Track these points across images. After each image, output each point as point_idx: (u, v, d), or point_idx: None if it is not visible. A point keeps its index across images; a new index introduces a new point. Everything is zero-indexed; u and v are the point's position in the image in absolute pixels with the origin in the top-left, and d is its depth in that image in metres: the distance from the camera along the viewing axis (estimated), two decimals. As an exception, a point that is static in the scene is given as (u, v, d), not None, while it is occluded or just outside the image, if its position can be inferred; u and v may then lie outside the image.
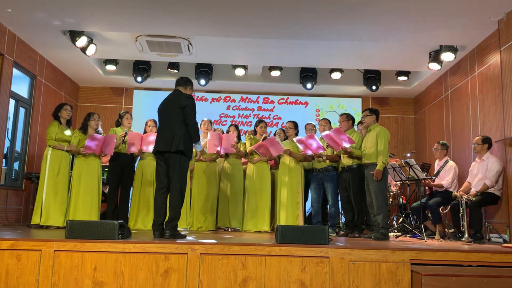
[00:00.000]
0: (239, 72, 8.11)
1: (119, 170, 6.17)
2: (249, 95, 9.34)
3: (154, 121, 6.25)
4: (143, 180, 6.20)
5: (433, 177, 6.34)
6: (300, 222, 6.00)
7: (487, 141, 5.72)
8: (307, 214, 6.60)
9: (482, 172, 5.62)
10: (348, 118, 6.02)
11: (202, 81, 8.25)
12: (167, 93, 4.80)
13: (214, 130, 6.64)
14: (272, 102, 9.40)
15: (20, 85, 7.03)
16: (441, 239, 5.47)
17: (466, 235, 5.11)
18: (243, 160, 6.57)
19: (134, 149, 6.07)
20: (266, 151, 6.19)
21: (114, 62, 8.02)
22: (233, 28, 6.31)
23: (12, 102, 6.74)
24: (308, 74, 8.31)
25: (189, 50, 7.16)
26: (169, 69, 8.13)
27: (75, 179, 5.74)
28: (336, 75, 8.25)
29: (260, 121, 6.79)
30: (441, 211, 5.89)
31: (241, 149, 6.42)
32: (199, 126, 6.45)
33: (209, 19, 6.03)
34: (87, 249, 3.66)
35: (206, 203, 6.23)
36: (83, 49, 6.73)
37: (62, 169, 5.77)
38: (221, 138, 6.17)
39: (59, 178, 5.72)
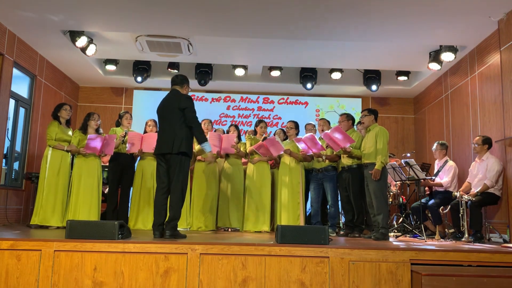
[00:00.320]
0: (239, 72, 8.11)
1: (119, 170, 6.17)
2: (249, 95, 9.34)
3: (154, 121, 6.25)
4: (143, 180, 6.20)
5: (433, 177, 6.34)
6: (301, 222, 6.00)
7: (487, 142, 5.72)
8: (307, 214, 6.60)
9: (482, 172, 5.62)
10: (348, 118, 6.02)
11: (202, 81, 8.24)
12: (167, 93, 4.80)
13: (215, 131, 6.64)
14: (272, 102, 9.40)
15: (20, 85, 7.03)
16: (441, 239, 5.47)
17: (466, 235, 5.11)
18: (243, 160, 6.57)
19: (134, 149, 6.07)
20: (266, 151, 6.19)
21: (114, 62, 8.02)
22: (233, 28, 6.31)
23: (12, 102, 6.74)
24: (308, 74, 8.31)
25: (189, 50, 7.16)
26: (169, 69, 8.13)
27: (75, 179, 5.74)
28: (336, 75, 8.25)
29: (260, 121, 6.79)
30: (441, 211, 5.89)
31: (241, 149, 6.42)
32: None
33: (209, 19, 6.03)
34: (87, 249, 3.66)
35: (206, 203, 6.23)
36: (83, 49, 6.74)
37: (62, 169, 5.77)
38: (221, 139, 6.17)
39: (59, 178, 5.72)
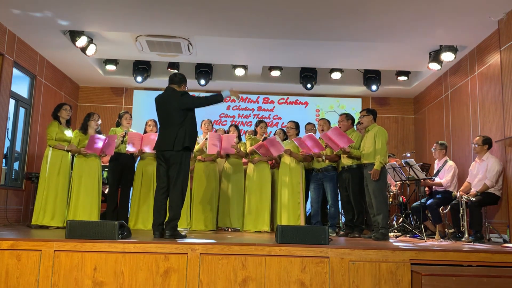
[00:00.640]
0: (239, 72, 8.11)
1: (119, 170, 6.17)
2: (249, 95, 9.34)
3: (154, 121, 6.25)
4: (143, 180, 6.20)
5: (433, 177, 6.34)
6: (302, 222, 6.00)
7: (487, 142, 5.72)
8: (307, 214, 6.60)
9: (482, 172, 5.62)
10: (347, 118, 6.02)
11: (202, 81, 8.25)
12: (162, 92, 4.76)
13: (215, 131, 6.64)
14: (272, 102, 9.40)
15: (20, 85, 7.03)
16: (441, 239, 5.47)
17: (466, 235, 5.11)
18: (243, 160, 6.57)
19: (134, 149, 6.07)
20: (266, 151, 6.19)
21: (114, 62, 8.01)
22: (233, 28, 6.31)
23: (12, 102, 6.74)
24: (308, 74, 8.30)
25: (189, 50, 7.16)
26: (169, 69, 8.12)
27: (75, 179, 5.74)
28: (336, 75, 8.25)
29: (260, 121, 6.80)
30: (441, 211, 5.89)
31: (242, 149, 6.42)
32: (200, 126, 6.47)
33: (209, 19, 6.03)
34: (87, 249, 3.66)
35: (206, 203, 6.23)
36: (83, 49, 6.73)
37: (63, 169, 5.77)
38: (221, 139, 6.17)
39: (59, 178, 5.73)
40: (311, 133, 6.26)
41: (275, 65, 8.09)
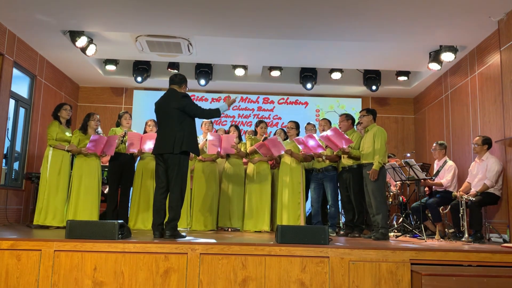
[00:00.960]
0: (239, 72, 8.11)
1: (119, 170, 6.17)
2: (249, 95, 9.34)
3: (154, 121, 6.24)
4: (143, 180, 6.20)
5: (433, 177, 6.34)
6: (302, 222, 6.00)
7: (487, 142, 5.71)
8: (307, 214, 6.60)
9: (482, 172, 5.62)
10: (347, 118, 6.02)
11: (202, 81, 8.25)
12: (164, 93, 4.77)
13: (216, 131, 6.64)
14: (272, 102, 9.40)
15: (20, 85, 7.03)
16: (441, 239, 5.47)
17: (466, 235, 5.11)
18: (244, 160, 6.57)
19: (133, 149, 6.07)
20: (267, 151, 6.19)
21: (114, 62, 8.01)
22: (233, 28, 6.31)
23: (12, 102, 6.74)
24: (308, 74, 8.31)
25: (189, 50, 7.16)
26: (169, 69, 8.12)
27: (76, 179, 5.74)
28: (336, 75, 8.25)
29: (260, 121, 6.79)
30: (441, 211, 5.89)
31: (242, 149, 6.42)
32: (200, 126, 6.48)
33: (209, 19, 6.03)
34: (87, 249, 3.66)
35: (206, 203, 6.23)
36: (83, 49, 6.73)
37: (63, 169, 5.77)
38: (221, 139, 6.17)
39: (59, 178, 5.73)
40: (312, 133, 6.27)
41: (275, 65, 8.09)
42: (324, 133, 5.77)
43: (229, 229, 6.29)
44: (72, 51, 7.09)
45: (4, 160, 6.54)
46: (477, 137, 5.83)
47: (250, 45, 7.03)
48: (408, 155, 7.64)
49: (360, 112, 5.77)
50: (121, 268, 3.64)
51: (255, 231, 6.13)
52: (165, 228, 4.35)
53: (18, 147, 7.06)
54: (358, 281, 3.66)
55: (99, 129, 6.09)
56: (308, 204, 6.59)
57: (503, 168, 5.56)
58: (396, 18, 5.83)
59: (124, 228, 3.99)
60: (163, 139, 4.52)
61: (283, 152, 6.16)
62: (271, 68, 8.16)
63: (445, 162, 6.30)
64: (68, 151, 5.82)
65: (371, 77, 8.38)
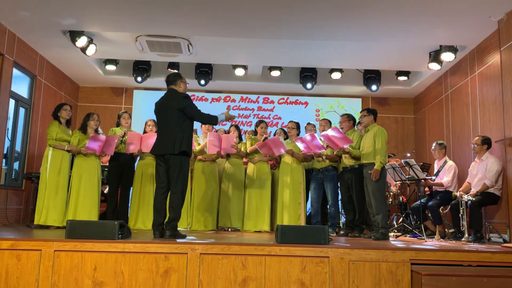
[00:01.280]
0: (239, 72, 8.11)
1: (119, 170, 6.17)
2: (249, 95, 9.34)
3: (154, 121, 6.24)
4: (143, 180, 6.20)
5: (433, 177, 6.34)
6: (302, 222, 6.00)
7: (486, 142, 5.71)
8: (307, 214, 6.60)
9: (481, 172, 5.62)
10: (349, 118, 6.02)
11: (202, 81, 8.25)
12: (164, 93, 4.77)
13: (216, 131, 6.65)
14: (272, 102, 9.40)
15: (20, 85, 7.03)
16: (441, 239, 5.47)
17: (466, 235, 5.11)
18: (244, 160, 6.57)
19: (133, 149, 6.07)
20: (268, 151, 6.18)
21: (114, 62, 8.02)
22: (233, 28, 6.31)
23: (12, 102, 6.74)
24: (308, 74, 8.31)
25: (189, 50, 7.16)
26: (169, 69, 8.11)
27: (75, 179, 5.74)
28: (336, 75, 8.25)
29: (260, 121, 6.79)
30: (441, 211, 5.89)
31: (242, 149, 6.42)
32: (200, 126, 6.48)
33: (209, 19, 6.03)
34: (87, 249, 3.66)
35: (206, 203, 6.23)
36: (83, 49, 6.74)
37: (63, 169, 5.77)
38: (221, 139, 6.16)
39: (59, 178, 5.73)
40: (313, 132, 6.26)
41: (275, 65, 8.09)
42: (325, 133, 5.77)
43: (229, 229, 6.29)
44: (72, 51, 7.09)
45: (4, 160, 6.54)
46: (477, 137, 5.83)
47: (250, 45, 7.03)
48: (408, 155, 7.64)
49: (361, 112, 5.77)
50: (121, 268, 3.64)
51: (255, 231, 6.13)
52: (165, 228, 4.35)
53: (18, 147, 7.06)
54: (358, 281, 3.66)
55: (99, 129, 6.10)
56: (308, 204, 6.59)
57: (503, 168, 5.56)
58: (396, 18, 5.82)
59: (124, 228, 3.99)
60: (163, 140, 4.52)
61: (283, 152, 6.16)
62: (271, 68, 8.16)
63: (445, 162, 6.30)
64: (67, 151, 5.82)
65: (371, 77, 8.38)
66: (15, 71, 6.72)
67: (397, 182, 6.70)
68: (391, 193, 6.97)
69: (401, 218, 6.55)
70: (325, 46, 7.00)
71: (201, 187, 6.27)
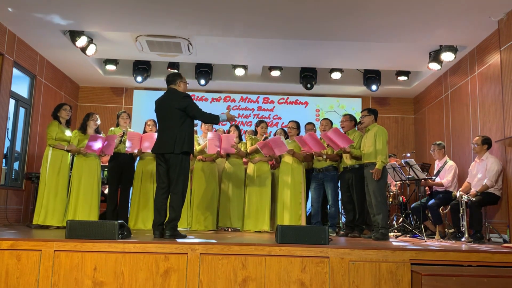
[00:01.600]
0: (239, 72, 8.11)
1: (119, 170, 6.17)
2: (249, 95, 9.34)
3: (154, 121, 6.24)
4: (143, 180, 6.20)
5: (433, 177, 6.34)
6: (303, 222, 6.01)
7: (486, 142, 5.71)
8: (307, 214, 6.60)
9: (481, 172, 5.62)
10: (351, 118, 6.03)
11: (202, 81, 8.25)
12: (164, 92, 4.76)
13: (215, 131, 6.65)
14: (272, 102, 9.40)
15: (20, 85, 7.03)
16: (441, 239, 5.47)
17: (466, 235, 5.11)
18: (244, 160, 6.57)
19: (133, 149, 6.07)
20: (269, 151, 6.18)
21: (114, 62, 8.02)
22: (233, 28, 6.30)
23: (12, 102, 6.74)
24: (308, 74, 8.30)
25: (189, 50, 7.16)
26: (169, 69, 8.11)
27: (75, 179, 5.74)
28: (336, 75, 8.25)
29: (261, 121, 6.79)
30: (441, 211, 5.89)
31: (242, 149, 6.42)
32: (200, 126, 6.48)
33: (209, 19, 6.03)
34: (87, 249, 3.66)
35: (205, 203, 6.23)
36: (83, 49, 6.74)
37: (62, 169, 5.78)
38: (221, 139, 6.16)
39: (59, 178, 5.73)
40: (313, 132, 6.26)
41: (275, 65, 8.09)
42: (325, 133, 5.77)
43: (229, 229, 6.29)
44: (72, 51, 7.09)
45: (4, 160, 6.54)
46: (477, 137, 5.83)
47: (250, 45, 7.03)
48: (408, 155, 7.64)
49: (361, 112, 5.77)
50: (121, 268, 3.63)
51: (255, 231, 6.13)
52: (165, 228, 4.35)
53: (18, 147, 7.06)
54: (358, 281, 3.65)
55: (99, 129, 6.10)
56: (308, 204, 6.59)
57: (503, 168, 5.56)
58: (396, 18, 5.82)
59: (124, 228, 3.99)
60: (164, 139, 4.52)
61: (285, 152, 6.15)
62: (271, 68, 8.16)
63: (446, 162, 6.30)
64: (67, 150, 5.82)
65: (371, 77, 8.38)
66: (15, 71, 6.72)
67: (397, 182, 6.70)
68: (391, 193, 6.97)
69: (401, 218, 6.55)
70: (325, 46, 7.00)
71: (201, 187, 6.27)
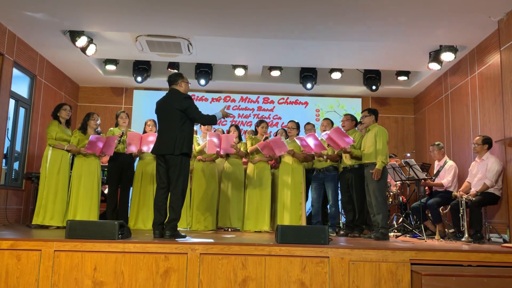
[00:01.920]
0: (239, 72, 8.11)
1: (119, 170, 6.17)
2: (249, 95, 9.34)
3: (154, 121, 6.25)
4: (143, 180, 6.20)
5: (433, 177, 6.34)
6: (303, 222, 6.01)
7: (487, 142, 5.71)
8: (307, 214, 6.60)
9: (481, 172, 5.62)
10: (352, 118, 6.03)
11: (202, 81, 8.25)
12: (166, 93, 4.77)
13: (214, 130, 6.65)
14: (272, 102, 9.40)
15: (20, 85, 7.03)
16: (441, 239, 5.47)
17: (466, 235, 5.11)
18: (243, 160, 6.57)
19: (133, 149, 6.07)
20: (270, 151, 6.18)
21: (114, 62, 8.01)
22: (233, 28, 6.30)
23: (12, 102, 6.74)
24: (308, 74, 8.31)
25: (189, 50, 7.16)
26: (169, 69, 8.11)
27: (75, 179, 5.74)
28: (336, 75, 8.25)
29: (261, 121, 6.79)
30: (441, 211, 5.89)
31: (242, 149, 6.42)
32: (199, 126, 6.48)
33: (209, 19, 6.03)
34: (87, 249, 3.66)
35: (205, 203, 6.23)
36: (83, 49, 6.74)
37: (62, 169, 5.78)
38: (220, 139, 6.16)
39: (59, 178, 5.73)
40: (313, 132, 6.26)
41: (275, 65, 8.09)
42: (326, 133, 5.77)
43: (229, 229, 6.29)
44: (72, 51, 7.08)
45: (4, 160, 6.54)
46: (478, 137, 5.83)
47: (250, 45, 7.03)
48: (408, 155, 7.64)
49: (362, 112, 5.77)
50: (121, 268, 3.64)
51: (255, 231, 6.12)
52: (165, 228, 4.35)
53: (18, 147, 7.05)
54: (358, 281, 3.66)
55: (99, 129, 6.10)
56: (308, 204, 6.59)
57: (503, 168, 5.56)
58: (396, 18, 5.82)
59: (124, 228, 3.99)
60: (164, 140, 4.52)
61: (285, 152, 6.15)
62: (271, 68, 8.16)
63: (446, 162, 6.30)
64: (67, 150, 5.82)
65: (371, 77, 8.38)
66: (15, 71, 6.71)
67: (397, 182, 6.70)
68: (391, 193, 6.97)
69: (401, 218, 6.55)
70: (325, 46, 7.00)
71: (200, 187, 6.27)
